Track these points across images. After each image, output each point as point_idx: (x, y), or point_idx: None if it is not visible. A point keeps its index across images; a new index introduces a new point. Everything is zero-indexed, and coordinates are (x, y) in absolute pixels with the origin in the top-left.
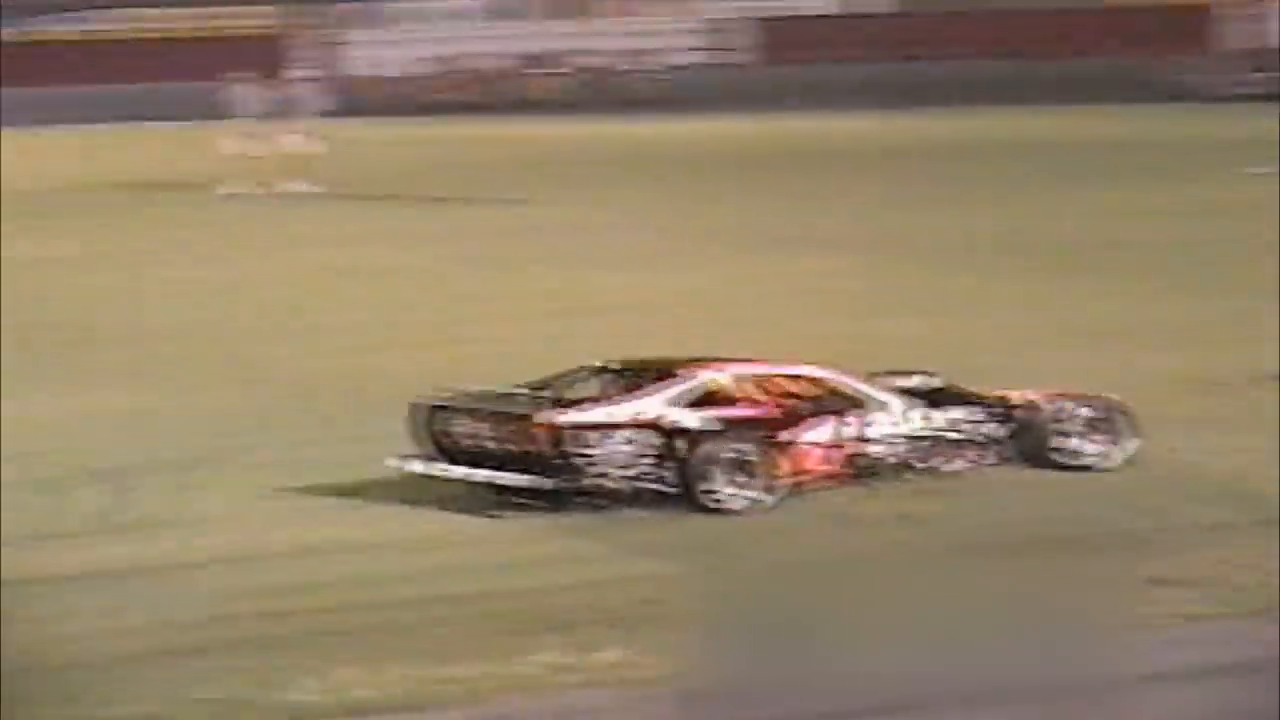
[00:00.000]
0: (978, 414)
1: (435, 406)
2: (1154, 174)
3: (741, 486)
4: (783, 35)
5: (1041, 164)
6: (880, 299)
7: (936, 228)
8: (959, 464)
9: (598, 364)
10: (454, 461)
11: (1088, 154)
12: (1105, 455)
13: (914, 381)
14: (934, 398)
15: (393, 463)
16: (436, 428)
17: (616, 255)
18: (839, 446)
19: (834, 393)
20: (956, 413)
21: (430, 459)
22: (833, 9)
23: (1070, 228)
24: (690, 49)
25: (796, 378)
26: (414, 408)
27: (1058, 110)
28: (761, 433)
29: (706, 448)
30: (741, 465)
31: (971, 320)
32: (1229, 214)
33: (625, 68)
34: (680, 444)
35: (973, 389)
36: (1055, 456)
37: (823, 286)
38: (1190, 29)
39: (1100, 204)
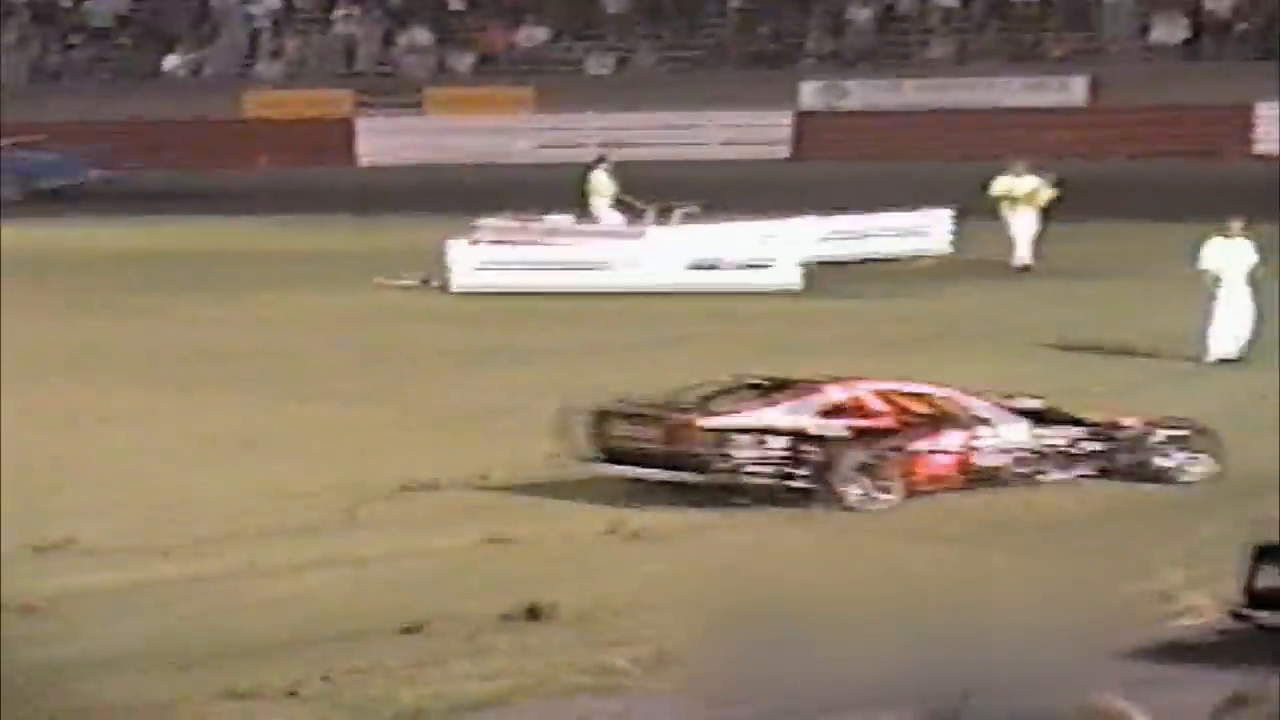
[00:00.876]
0: (1080, 432)
1: (601, 412)
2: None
3: (869, 488)
4: None
5: (172, 273)
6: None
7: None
8: (1062, 475)
9: (739, 379)
10: (613, 461)
11: (238, 263)
12: (1186, 470)
13: (1024, 402)
14: (1041, 416)
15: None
16: (606, 430)
17: None
18: (956, 455)
19: (952, 408)
20: (1061, 430)
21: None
22: None
23: (206, 336)
24: None
25: (919, 395)
26: (567, 411)
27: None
28: (886, 441)
29: (840, 452)
30: (870, 469)
31: (90, 436)
32: (356, 324)
33: None
34: (817, 448)
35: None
36: (1146, 471)
37: None
38: (335, 140)
39: (228, 313)
